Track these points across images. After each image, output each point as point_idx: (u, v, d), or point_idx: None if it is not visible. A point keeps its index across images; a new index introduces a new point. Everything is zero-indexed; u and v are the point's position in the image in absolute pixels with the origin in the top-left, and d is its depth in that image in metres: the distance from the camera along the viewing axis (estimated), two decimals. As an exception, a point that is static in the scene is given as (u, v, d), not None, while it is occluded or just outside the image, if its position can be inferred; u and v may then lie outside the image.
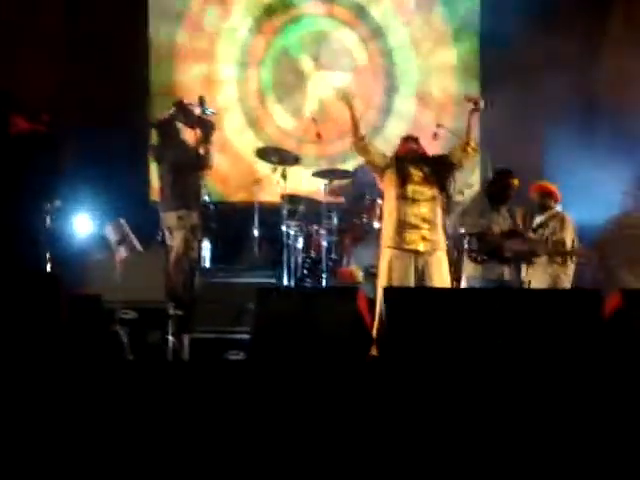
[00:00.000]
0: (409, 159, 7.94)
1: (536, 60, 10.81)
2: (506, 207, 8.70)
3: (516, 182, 8.68)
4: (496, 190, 8.69)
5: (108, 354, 6.89)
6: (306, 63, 11.60)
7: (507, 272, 8.54)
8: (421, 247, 7.75)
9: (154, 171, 10.18)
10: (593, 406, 5.85)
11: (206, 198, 9.72)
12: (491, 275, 8.52)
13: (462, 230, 8.58)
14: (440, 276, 7.81)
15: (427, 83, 11.71)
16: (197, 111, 9.19)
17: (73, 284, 7.63)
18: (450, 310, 6.50)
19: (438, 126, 9.14)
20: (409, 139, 8.12)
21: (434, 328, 6.41)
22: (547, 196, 8.99)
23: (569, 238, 8.82)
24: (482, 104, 7.98)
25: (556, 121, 10.60)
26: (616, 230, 9.49)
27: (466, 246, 8.51)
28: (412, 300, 6.71)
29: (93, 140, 10.67)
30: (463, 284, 8.57)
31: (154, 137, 9.53)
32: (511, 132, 10.66)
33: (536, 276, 8.73)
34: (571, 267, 8.78)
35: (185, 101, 9.38)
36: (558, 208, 9.02)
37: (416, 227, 7.76)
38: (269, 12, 11.60)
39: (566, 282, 8.78)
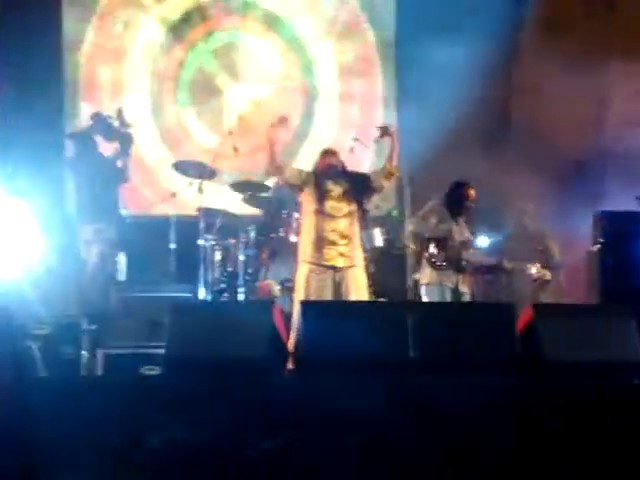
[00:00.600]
0: (328, 175, 7.92)
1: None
2: (464, 218, 8.76)
3: (473, 193, 8.73)
4: (454, 201, 8.73)
5: (20, 370, 6.78)
6: (222, 79, 11.56)
7: (461, 281, 8.61)
8: (339, 263, 7.75)
9: (69, 183, 10.05)
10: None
11: (122, 211, 9.63)
12: (448, 281, 8.56)
13: (425, 235, 8.63)
14: (358, 291, 7.81)
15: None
16: (115, 123, 9.12)
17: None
18: (366, 323, 6.52)
19: (355, 140, 9.19)
20: (328, 153, 8.12)
21: (350, 341, 6.42)
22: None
23: None
24: (391, 130, 8.02)
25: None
26: None
27: (431, 250, 8.55)
28: (328, 314, 6.72)
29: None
30: (423, 291, 8.60)
31: (70, 149, 9.41)
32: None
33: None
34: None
35: (103, 113, 9.30)
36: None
37: (334, 243, 7.76)
38: (184, 22, 11.52)
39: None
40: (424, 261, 8.66)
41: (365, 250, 9.80)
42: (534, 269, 8.67)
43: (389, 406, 5.86)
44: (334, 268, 7.74)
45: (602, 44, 10.52)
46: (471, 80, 10.59)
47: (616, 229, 8.78)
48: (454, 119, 10.47)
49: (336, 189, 7.88)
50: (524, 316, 6.75)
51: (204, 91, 11.59)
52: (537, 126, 10.24)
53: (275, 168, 7.90)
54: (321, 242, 7.75)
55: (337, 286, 7.75)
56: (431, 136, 10.56)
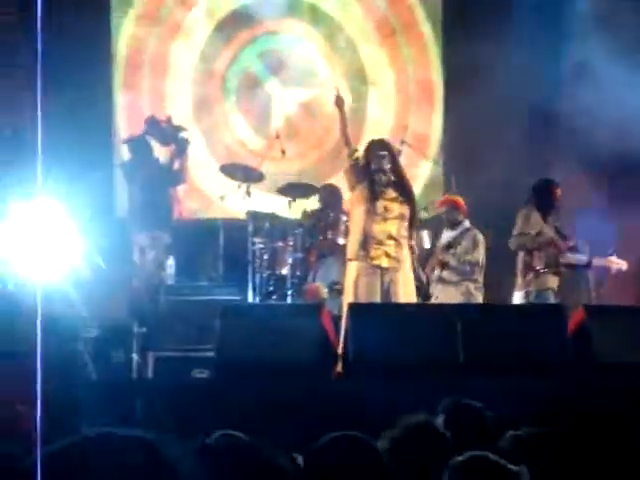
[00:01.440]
0: (383, 174, 7.80)
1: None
2: (553, 218, 8.71)
3: (560, 192, 8.68)
4: (545, 203, 8.65)
5: (69, 373, 6.83)
6: (269, 82, 11.58)
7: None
8: (384, 263, 7.68)
9: (121, 188, 10.11)
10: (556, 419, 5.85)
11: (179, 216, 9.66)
12: (552, 285, 8.51)
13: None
14: (406, 293, 7.76)
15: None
16: (168, 129, 9.18)
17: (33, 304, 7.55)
18: (415, 325, 6.51)
19: (402, 142, 9.16)
20: (383, 147, 7.97)
21: (399, 344, 6.41)
22: (456, 210, 8.98)
23: (481, 258, 8.84)
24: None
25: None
26: None
27: (534, 260, 8.51)
28: (377, 315, 6.71)
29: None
30: (520, 299, 8.53)
31: (126, 154, 9.46)
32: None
33: (448, 293, 8.72)
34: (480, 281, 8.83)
35: (157, 117, 9.35)
36: (467, 224, 9.02)
37: (381, 243, 7.70)
38: (232, 21, 11.54)
39: (479, 296, 8.79)
40: (522, 267, 8.58)
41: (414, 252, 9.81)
42: (614, 263, 8.60)
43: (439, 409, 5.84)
44: (380, 268, 7.68)
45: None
46: (517, 80, 10.51)
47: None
48: (500, 118, 10.40)
49: (389, 190, 7.80)
50: (576, 317, 6.71)
51: (251, 93, 11.59)
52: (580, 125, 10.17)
53: (352, 151, 7.84)
54: (368, 241, 7.69)
55: (385, 288, 7.69)
56: (477, 135, 10.51)
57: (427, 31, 11.66)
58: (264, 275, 9.94)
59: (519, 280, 8.59)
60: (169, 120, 9.19)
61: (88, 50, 10.64)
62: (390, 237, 7.70)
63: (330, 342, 6.74)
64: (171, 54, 11.43)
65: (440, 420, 4.15)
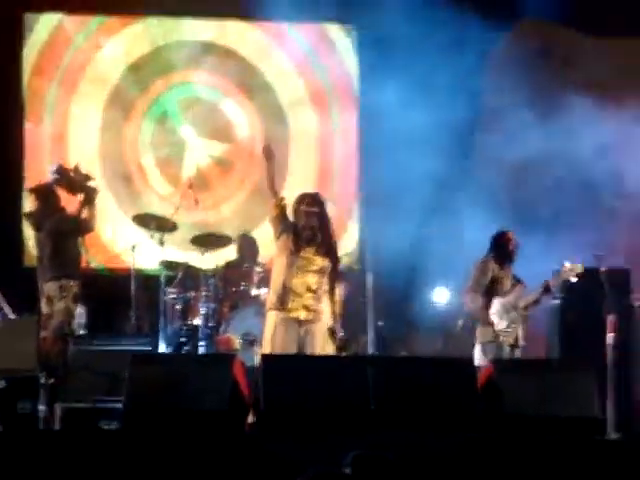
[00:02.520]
0: (307, 227, 7.77)
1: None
2: (510, 265, 8.70)
3: (512, 235, 8.70)
4: (502, 252, 8.65)
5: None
6: (186, 131, 11.58)
7: (521, 336, 8.55)
8: (302, 315, 7.66)
9: (29, 236, 9.98)
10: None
11: (88, 264, 9.56)
12: (508, 338, 8.50)
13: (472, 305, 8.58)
14: (323, 345, 7.74)
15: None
16: (75, 177, 9.10)
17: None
18: (327, 376, 6.51)
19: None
20: (310, 200, 7.83)
21: (311, 394, 6.40)
22: None
23: None
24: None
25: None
26: None
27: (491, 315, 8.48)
28: (289, 366, 6.69)
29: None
30: (477, 349, 8.50)
31: (31, 204, 9.35)
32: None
33: None
34: None
35: (65, 166, 9.28)
36: None
37: (299, 295, 7.68)
38: (149, 64, 11.55)
39: None
40: (482, 321, 8.58)
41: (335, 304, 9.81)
42: (570, 269, 8.62)
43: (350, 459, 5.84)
44: (298, 320, 7.67)
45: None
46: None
47: (575, 285, 8.82)
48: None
49: (313, 245, 7.78)
50: (485, 372, 6.77)
51: (166, 141, 11.59)
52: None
53: (280, 199, 7.79)
54: (287, 293, 7.67)
55: (303, 340, 7.66)
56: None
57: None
58: (176, 325, 9.88)
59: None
60: (77, 169, 9.13)
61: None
62: (309, 289, 7.68)
63: (241, 393, 6.69)
64: (80, 95, 11.41)
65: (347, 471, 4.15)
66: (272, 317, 7.67)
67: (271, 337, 7.59)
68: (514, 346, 8.50)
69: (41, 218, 9.11)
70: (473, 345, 8.55)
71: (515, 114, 10.60)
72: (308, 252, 7.71)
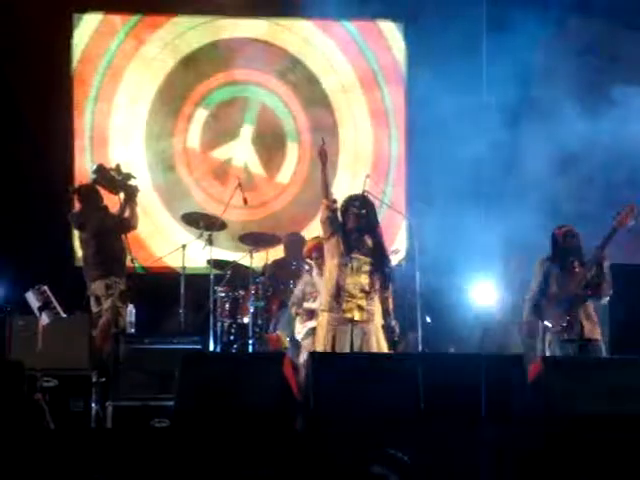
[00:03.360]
0: (357, 228, 7.81)
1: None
2: (574, 259, 8.45)
3: (565, 229, 8.43)
4: (556, 250, 8.44)
5: (29, 422, 6.76)
6: (245, 129, 11.65)
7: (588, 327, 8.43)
8: (356, 316, 7.70)
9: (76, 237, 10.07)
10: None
11: (132, 263, 9.64)
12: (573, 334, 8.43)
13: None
14: (378, 345, 7.76)
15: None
16: (117, 177, 9.18)
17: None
18: (374, 375, 6.51)
19: (367, 176, 9.27)
20: (361, 204, 7.91)
21: (359, 393, 6.40)
22: None
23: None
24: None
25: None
26: None
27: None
28: (338, 365, 6.70)
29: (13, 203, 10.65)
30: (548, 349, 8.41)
31: (75, 204, 9.43)
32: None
33: None
34: None
35: (105, 165, 9.37)
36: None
37: (353, 296, 7.71)
38: (196, 59, 11.60)
39: None
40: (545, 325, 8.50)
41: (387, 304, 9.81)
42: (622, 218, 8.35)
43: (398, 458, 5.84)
44: (351, 321, 7.70)
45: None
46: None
47: (626, 281, 8.74)
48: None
49: (362, 244, 7.82)
50: (534, 367, 6.74)
51: (215, 137, 11.64)
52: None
53: (331, 202, 7.82)
54: (340, 294, 7.70)
55: (357, 340, 7.69)
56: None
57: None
58: (225, 324, 9.92)
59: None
60: (118, 168, 9.20)
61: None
62: (362, 290, 7.73)
63: (292, 392, 6.71)
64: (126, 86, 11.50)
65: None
66: (325, 317, 7.70)
67: (324, 338, 7.62)
68: (576, 341, 8.32)
69: (84, 218, 9.20)
70: (526, 341, 8.50)
71: (562, 106, 10.57)
72: (359, 253, 7.73)
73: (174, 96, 11.60)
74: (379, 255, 7.81)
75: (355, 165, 11.60)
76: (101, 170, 9.23)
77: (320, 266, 8.75)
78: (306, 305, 9.09)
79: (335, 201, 7.85)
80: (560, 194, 10.67)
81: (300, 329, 9.05)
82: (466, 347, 10.20)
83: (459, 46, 10.99)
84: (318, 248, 8.71)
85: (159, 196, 11.48)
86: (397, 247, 10.95)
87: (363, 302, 7.71)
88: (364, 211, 7.79)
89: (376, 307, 7.77)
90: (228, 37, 11.62)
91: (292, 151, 11.67)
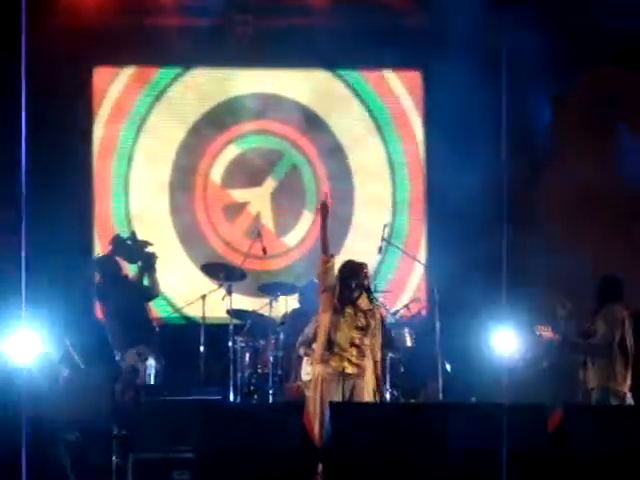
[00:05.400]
0: (354, 287, 7.90)
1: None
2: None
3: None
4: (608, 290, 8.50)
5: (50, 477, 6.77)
6: (270, 181, 11.71)
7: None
8: (348, 369, 7.76)
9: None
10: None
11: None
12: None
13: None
14: (369, 399, 7.79)
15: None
16: (133, 245, 9.25)
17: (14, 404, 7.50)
18: (395, 424, 6.50)
19: (385, 225, 9.37)
20: (356, 266, 8.05)
21: (380, 443, 6.39)
22: None
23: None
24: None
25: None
26: None
27: None
28: (358, 415, 6.70)
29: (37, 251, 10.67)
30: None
31: (97, 276, 9.50)
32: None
33: None
34: None
35: (122, 235, 9.44)
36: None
37: (344, 350, 7.77)
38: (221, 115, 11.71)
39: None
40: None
41: (396, 350, 9.81)
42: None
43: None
44: (342, 374, 7.75)
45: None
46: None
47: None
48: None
49: (357, 302, 7.90)
50: (554, 417, 6.73)
51: (238, 177, 11.72)
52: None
53: (329, 257, 7.91)
54: (332, 347, 7.78)
55: (347, 393, 7.75)
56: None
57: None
58: (245, 374, 9.91)
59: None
60: (133, 236, 9.29)
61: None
62: (353, 345, 7.79)
63: (313, 441, 6.71)
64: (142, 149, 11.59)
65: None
66: (317, 370, 7.76)
67: (314, 390, 7.67)
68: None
69: (104, 292, 9.23)
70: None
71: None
72: (353, 309, 7.79)
73: (206, 133, 11.69)
74: (372, 315, 7.90)
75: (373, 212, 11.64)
76: (118, 241, 9.31)
77: None
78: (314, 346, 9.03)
79: (332, 256, 7.96)
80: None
81: (308, 370, 8.98)
82: (488, 396, 10.13)
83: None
84: None
85: (181, 243, 11.53)
86: (417, 296, 10.98)
87: (353, 356, 7.78)
88: (357, 280, 7.87)
89: (367, 362, 7.82)
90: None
91: (306, 220, 11.68)
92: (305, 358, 9.14)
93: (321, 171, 11.79)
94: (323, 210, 8.00)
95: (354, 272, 7.92)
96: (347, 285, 7.88)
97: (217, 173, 11.69)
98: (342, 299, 7.87)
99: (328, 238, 8.01)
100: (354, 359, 7.80)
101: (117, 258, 9.40)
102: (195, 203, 11.64)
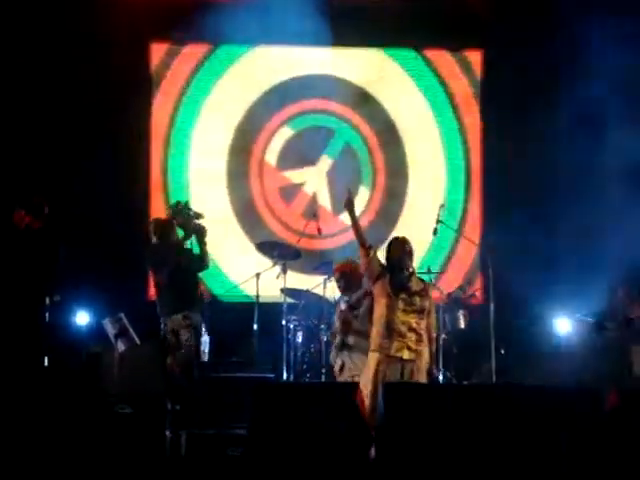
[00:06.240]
0: (403, 269, 7.87)
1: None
2: None
3: None
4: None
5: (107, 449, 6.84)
6: (324, 160, 11.71)
7: None
8: (405, 355, 7.73)
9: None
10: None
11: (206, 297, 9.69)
12: None
13: None
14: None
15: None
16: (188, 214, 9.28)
17: (72, 377, 7.60)
18: (449, 406, 6.48)
19: (442, 206, 9.35)
20: (403, 244, 7.99)
21: (434, 424, 6.38)
22: (348, 276, 8.63)
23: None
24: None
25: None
26: None
27: None
28: (412, 396, 6.68)
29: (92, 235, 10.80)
30: None
31: (152, 237, 9.55)
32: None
33: (358, 361, 8.29)
34: None
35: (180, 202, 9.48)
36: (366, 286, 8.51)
37: (403, 335, 7.75)
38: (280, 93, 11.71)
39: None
40: None
41: (448, 332, 9.79)
42: None
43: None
44: (401, 360, 7.73)
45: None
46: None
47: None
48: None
49: (410, 285, 7.88)
50: (610, 398, 6.67)
51: (293, 158, 11.73)
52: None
53: (367, 250, 7.90)
54: (391, 333, 7.75)
55: (406, 379, 7.73)
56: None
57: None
58: (298, 353, 9.93)
59: None
60: (187, 205, 9.33)
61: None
62: (411, 329, 7.77)
63: (364, 421, 6.71)
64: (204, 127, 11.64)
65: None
66: (375, 358, 7.71)
67: (373, 377, 7.60)
68: None
69: (160, 254, 9.27)
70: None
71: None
72: (407, 293, 7.80)
73: (261, 115, 11.70)
74: (426, 292, 7.88)
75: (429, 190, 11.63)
76: (179, 206, 9.33)
77: (342, 290, 8.71)
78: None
79: (371, 247, 7.91)
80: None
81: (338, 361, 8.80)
82: (549, 379, 10.08)
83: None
84: (342, 272, 8.68)
85: (239, 222, 11.59)
86: (470, 277, 10.95)
87: (412, 341, 7.75)
88: (407, 250, 7.86)
89: (424, 346, 7.79)
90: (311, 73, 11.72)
91: (363, 195, 11.69)
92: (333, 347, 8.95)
93: (376, 147, 11.77)
94: (348, 206, 7.96)
95: (400, 254, 7.88)
96: (397, 269, 7.85)
97: (272, 155, 11.70)
98: (394, 285, 7.83)
99: (362, 230, 7.97)
100: (413, 345, 7.77)
101: (175, 224, 9.45)
102: (252, 186, 11.67)
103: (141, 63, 11.55)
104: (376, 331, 7.82)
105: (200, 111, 11.68)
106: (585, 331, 8.85)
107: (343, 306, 8.59)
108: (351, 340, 8.43)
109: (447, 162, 11.85)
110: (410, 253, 7.93)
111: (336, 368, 8.48)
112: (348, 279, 8.62)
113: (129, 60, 11.28)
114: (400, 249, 7.92)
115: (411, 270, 7.94)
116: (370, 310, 8.13)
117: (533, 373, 10.25)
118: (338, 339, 8.50)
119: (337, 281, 8.76)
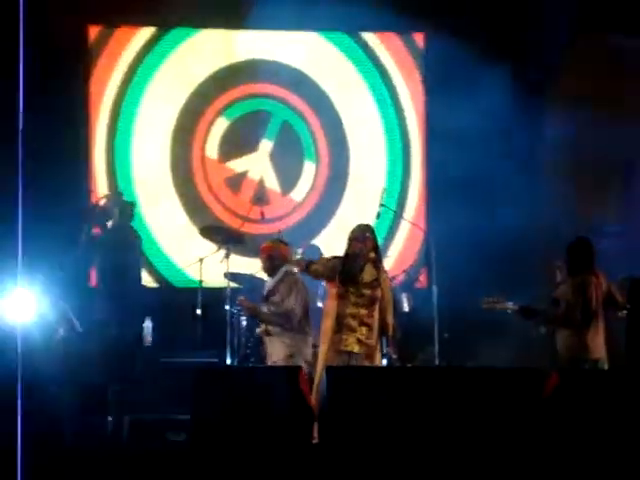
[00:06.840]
0: (357, 260, 7.81)
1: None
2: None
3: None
4: (578, 258, 8.13)
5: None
6: (264, 144, 11.67)
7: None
8: (356, 349, 7.69)
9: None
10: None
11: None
12: None
13: None
14: None
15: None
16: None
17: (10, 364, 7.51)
18: (391, 388, 6.51)
19: (384, 190, 9.30)
20: (361, 233, 7.86)
21: (376, 406, 6.41)
22: (272, 258, 8.56)
23: (297, 305, 8.34)
24: None
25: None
26: None
27: None
28: (353, 379, 6.70)
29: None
30: None
31: (88, 222, 9.50)
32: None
33: (275, 348, 8.36)
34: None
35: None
36: (284, 269, 8.54)
37: (353, 330, 7.71)
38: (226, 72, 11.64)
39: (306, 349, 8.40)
40: None
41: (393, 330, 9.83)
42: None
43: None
44: (351, 353, 7.70)
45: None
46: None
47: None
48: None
49: (363, 275, 7.82)
50: (550, 381, 6.73)
51: (233, 148, 11.69)
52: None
53: (302, 270, 7.93)
54: (341, 328, 7.71)
55: None
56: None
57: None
58: (242, 338, 9.91)
59: None
60: (120, 193, 9.30)
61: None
62: (362, 323, 7.72)
63: (308, 404, 6.72)
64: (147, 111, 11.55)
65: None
66: (324, 350, 7.70)
67: (322, 371, 7.57)
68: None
69: (98, 237, 9.23)
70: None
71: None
72: (358, 284, 7.73)
73: (200, 103, 11.63)
74: (378, 282, 7.81)
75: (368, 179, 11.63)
76: (115, 195, 9.32)
77: (267, 271, 8.62)
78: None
79: (310, 263, 7.92)
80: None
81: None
82: (490, 362, 10.13)
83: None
84: (269, 254, 8.57)
85: (181, 205, 11.53)
86: (413, 262, 10.99)
87: (363, 335, 7.71)
88: (367, 235, 7.80)
89: (375, 339, 7.77)
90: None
91: (309, 170, 11.68)
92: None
93: (314, 121, 11.76)
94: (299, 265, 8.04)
95: (355, 241, 7.81)
96: (351, 257, 7.77)
97: (212, 149, 11.64)
98: (344, 277, 7.74)
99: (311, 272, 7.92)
100: (364, 338, 7.74)
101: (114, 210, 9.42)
102: (197, 183, 11.60)
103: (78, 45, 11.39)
104: (327, 325, 7.76)
105: (142, 101, 11.56)
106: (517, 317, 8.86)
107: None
108: (270, 327, 8.40)
109: (387, 141, 11.86)
110: (369, 240, 7.81)
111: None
112: (273, 261, 8.53)
113: (72, 41, 11.14)
114: (359, 236, 7.81)
115: (370, 257, 7.81)
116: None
117: (475, 357, 10.35)
118: (262, 326, 8.48)
119: (263, 262, 8.61)
